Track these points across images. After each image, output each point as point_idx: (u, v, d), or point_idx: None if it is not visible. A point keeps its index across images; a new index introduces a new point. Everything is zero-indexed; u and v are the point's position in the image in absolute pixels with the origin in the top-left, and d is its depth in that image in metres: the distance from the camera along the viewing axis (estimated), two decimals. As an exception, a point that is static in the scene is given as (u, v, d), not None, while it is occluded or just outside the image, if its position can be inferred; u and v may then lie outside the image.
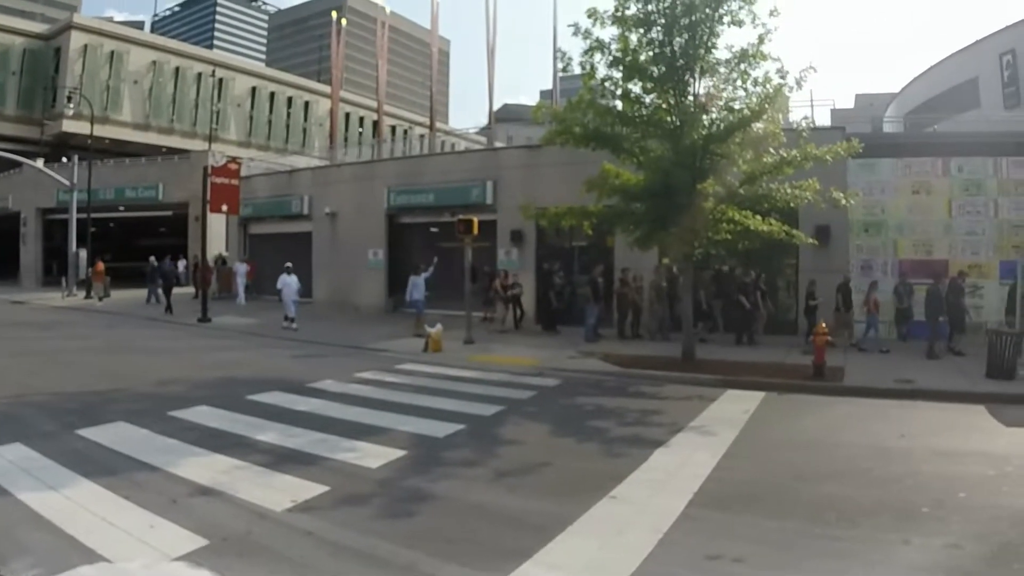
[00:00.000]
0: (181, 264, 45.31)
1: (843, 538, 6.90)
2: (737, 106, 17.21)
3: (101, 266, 37.24)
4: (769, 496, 8.24)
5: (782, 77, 16.79)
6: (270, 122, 78.28)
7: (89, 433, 10.71)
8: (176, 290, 38.63)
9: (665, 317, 23.00)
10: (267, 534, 6.99)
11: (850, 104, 68.13)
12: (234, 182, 30.06)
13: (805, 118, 18.17)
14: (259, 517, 7.41)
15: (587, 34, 17.31)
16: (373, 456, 9.77)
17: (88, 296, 38.05)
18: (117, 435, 10.66)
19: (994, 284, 21.28)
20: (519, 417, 12.68)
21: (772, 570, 6.23)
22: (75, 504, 7.63)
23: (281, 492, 8.14)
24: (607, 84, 17.71)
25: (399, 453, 9.95)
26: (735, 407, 13.44)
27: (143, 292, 36.90)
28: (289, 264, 26.90)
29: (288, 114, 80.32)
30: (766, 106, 16.71)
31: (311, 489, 8.27)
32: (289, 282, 25.82)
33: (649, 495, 8.26)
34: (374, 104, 51.02)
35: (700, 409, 13.29)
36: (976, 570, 6.22)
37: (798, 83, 16.74)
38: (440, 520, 7.49)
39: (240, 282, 33.91)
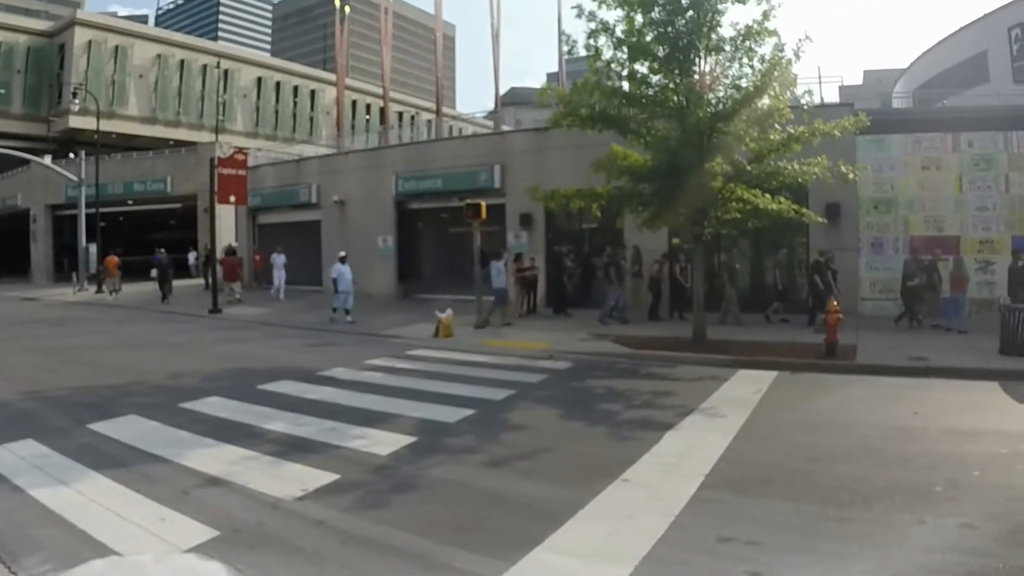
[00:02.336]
0: (191, 256, 45.39)
1: (857, 519, 6.84)
2: (743, 84, 17.10)
3: (115, 260, 37.25)
4: (782, 478, 8.19)
5: (779, 50, 16.69)
6: (276, 112, 78.16)
7: (100, 427, 10.74)
8: (188, 282, 38.99)
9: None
10: (278, 524, 7.00)
11: (859, 81, 67.78)
12: (241, 173, 30.13)
13: (808, 91, 17.97)
14: (270, 507, 7.42)
15: (591, 16, 17.20)
16: (383, 443, 9.77)
17: (99, 291, 38.23)
18: (128, 429, 10.68)
19: (1006, 260, 21.13)
20: (530, 401, 12.66)
21: (786, 553, 6.17)
22: (86, 498, 7.64)
23: (292, 481, 8.15)
24: (612, 65, 17.58)
25: (409, 439, 9.95)
26: (747, 387, 13.39)
27: (154, 285, 37.06)
28: (343, 253, 25.78)
29: (294, 103, 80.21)
30: (769, 80, 16.57)
31: (321, 478, 8.28)
32: (344, 272, 24.44)
33: (660, 478, 8.22)
34: (380, 91, 51.00)
35: (712, 390, 13.24)
36: (990, 550, 6.15)
37: (796, 54, 16.61)
38: (451, 507, 7.48)
39: (279, 275, 32.80)
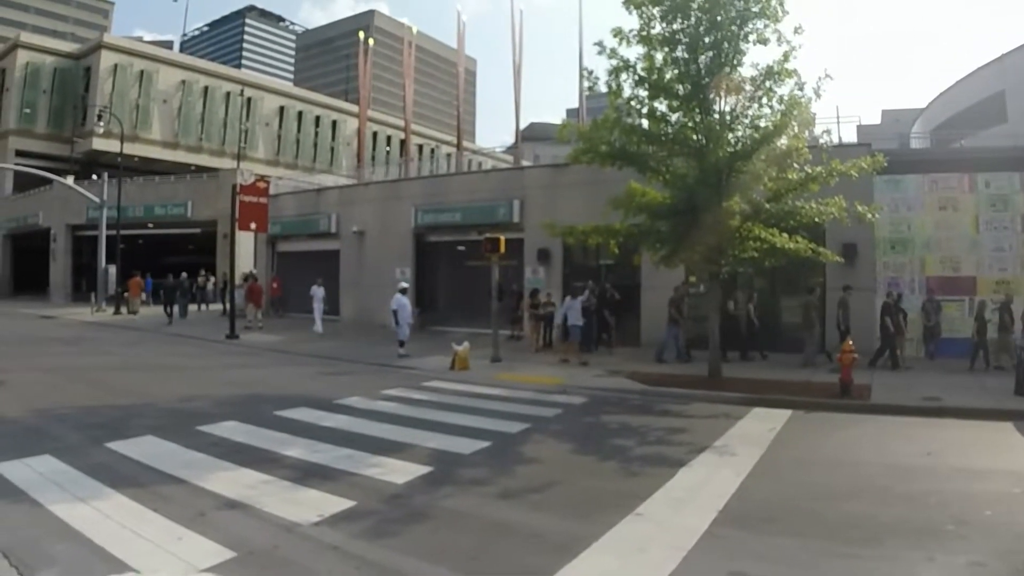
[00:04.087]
0: (211, 282, 45.65)
1: (866, 556, 6.88)
2: (763, 124, 17.23)
3: (139, 280, 37.53)
4: (793, 515, 8.23)
5: (799, 88, 16.85)
6: (298, 141, 78.91)
7: (117, 446, 10.87)
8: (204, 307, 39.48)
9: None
10: (293, 548, 7.07)
11: (876, 120, 67.87)
12: (262, 200, 30.31)
13: (827, 131, 18.15)
14: (285, 531, 7.49)
15: (613, 53, 17.37)
16: (399, 472, 9.83)
17: (117, 312, 38.55)
18: (145, 449, 10.81)
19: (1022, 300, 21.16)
20: (544, 435, 12.72)
21: (795, 589, 6.23)
22: (103, 515, 7.76)
23: (307, 507, 8.22)
24: (632, 103, 17.79)
25: (425, 469, 10.01)
26: (761, 425, 13.42)
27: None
28: (405, 284, 25.20)
29: (316, 133, 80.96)
30: (788, 120, 16.70)
31: (338, 504, 8.34)
32: (404, 303, 23.54)
33: (672, 513, 8.27)
34: (401, 123, 51.32)
35: (726, 428, 13.26)
36: (1000, 589, 6.19)
37: (816, 92, 16.79)
38: (464, 536, 7.53)
39: (318, 307, 31.48)
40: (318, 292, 31.37)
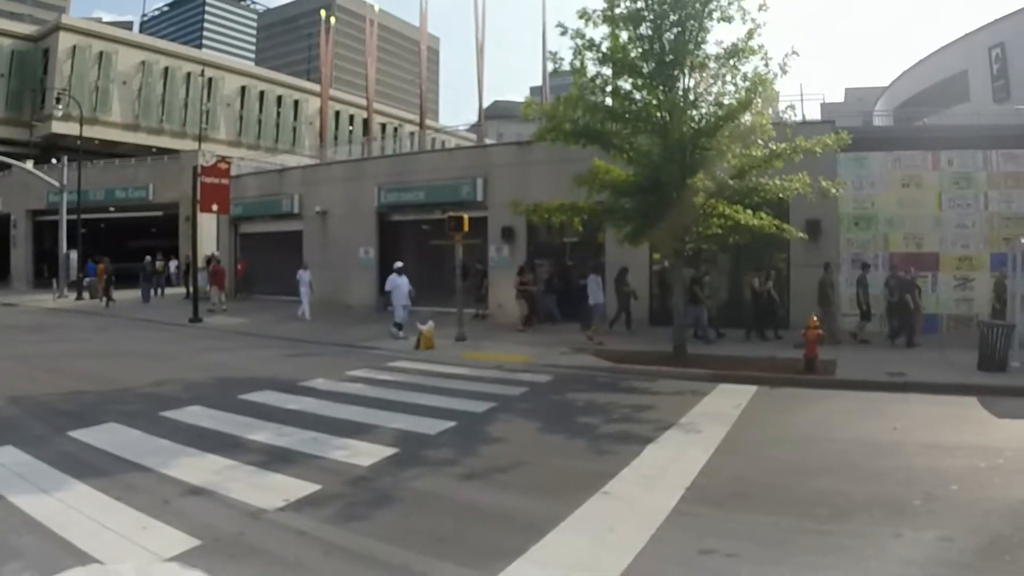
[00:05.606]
0: (172, 264, 45.22)
1: (835, 532, 6.91)
2: (727, 100, 17.20)
3: (103, 267, 36.97)
4: (761, 491, 8.24)
5: (765, 64, 16.81)
6: (260, 121, 78.17)
7: (81, 435, 10.68)
8: (170, 291, 39.25)
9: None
10: (260, 534, 6.99)
11: (840, 98, 68.20)
12: (224, 182, 29.97)
13: (790, 106, 18.14)
14: (251, 517, 7.41)
15: (577, 34, 17.24)
16: (364, 454, 9.77)
17: (80, 298, 38.20)
18: (109, 437, 10.64)
19: (985, 276, 21.31)
20: (510, 414, 12.68)
21: (765, 565, 6.22)
22: (67, 506, 7.62)
23: (273, 492, 8.14)
24: (597, 81, 17.67)
25: (390, 451, 9.95)
26: (727, 402, 13.46)
27: (136, 292, 37.05)
28: (400, 264, 23.95)
29: (278, 113, 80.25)
30: (752, 96, 16.68)
31: (303, 488, 8.27)
32: (400, 284, 22.91)
33: (640, 491, 8.25)
34: (364, 102, 50.93)
35: (692, 404, 13.30)
36: (968, 563, 6.22)
37: (782, 69, 16.73)
38: (432, 518, 7.47)
39: (305, 292, 29.44)
40: (304, 276, 29.68)
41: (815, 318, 16.75)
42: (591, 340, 20.73)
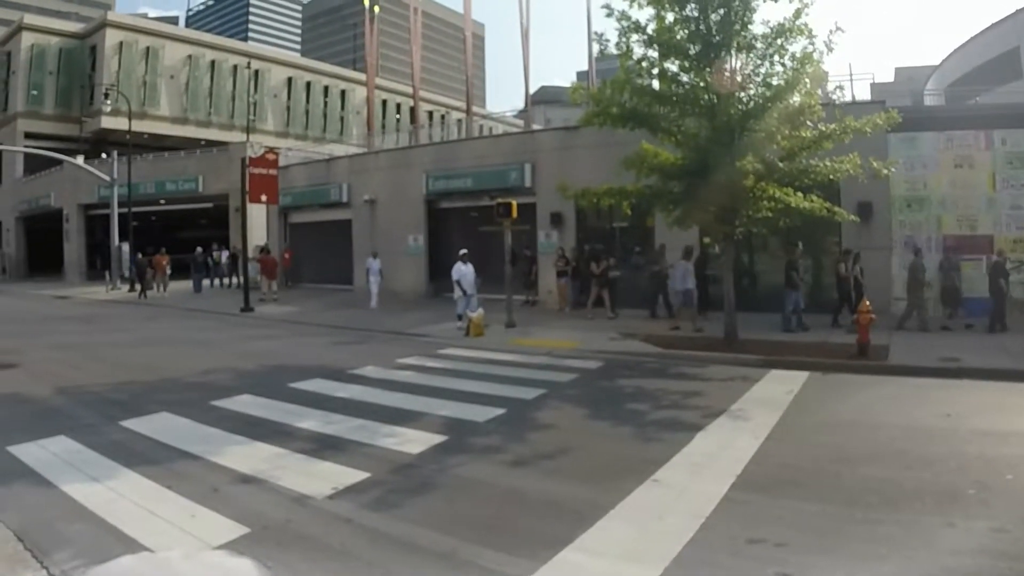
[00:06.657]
0: (224, 254, 45.74)
1: (886, 521, 6.80)
2: (775, 82, 16.99)
3: (164, 260, 37.36)
4: (812, 479, 8.16)
5: (811, 42, 16.56)
6: (307, 112, 78.45)
7: (132, 424, 10.88)
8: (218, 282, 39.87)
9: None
10: (307, 522, 7.06)
11: (890, 78, 67.16)
12: (272, 172, 30.27)
13: (839, 86, 17.87)
14: (299, 505, 7.49)
15: (623, 16, 17.15)
16: (413, 442, 9.83)
17: (131, 290, 38.63)
18: (159, 425, 10.83)
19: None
20: (560, 400, 12.69)
21: (814, 554, 6.15)
22: (117, 495, 7.76)
23: (322, 479, 8.22)
24: (643, 64, 17.54)
25: (439, 438, 10.00)
26: (778, 388, 13.33)
27: (187, 283, 37.61)
28: (464, 251, 23.15)
29: (324, 103, 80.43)
30: (800, 76, 16.46)
31: (351, 476, 8.34)
32: (466, 272, 22.32)
33: (690, 479, 8.21)
34: (410, 90, 50.99)
35: (742, 391, 13.19)
36: (1022, 554, 6.09)
37: (828, 46, 16.46)
38: (479, 506, 7.52)
39: (374, 280, 29.23)
40: (374, 264, 29.64)
41: (867, 303, 16.52)
42: (676, 329, 20.41)
